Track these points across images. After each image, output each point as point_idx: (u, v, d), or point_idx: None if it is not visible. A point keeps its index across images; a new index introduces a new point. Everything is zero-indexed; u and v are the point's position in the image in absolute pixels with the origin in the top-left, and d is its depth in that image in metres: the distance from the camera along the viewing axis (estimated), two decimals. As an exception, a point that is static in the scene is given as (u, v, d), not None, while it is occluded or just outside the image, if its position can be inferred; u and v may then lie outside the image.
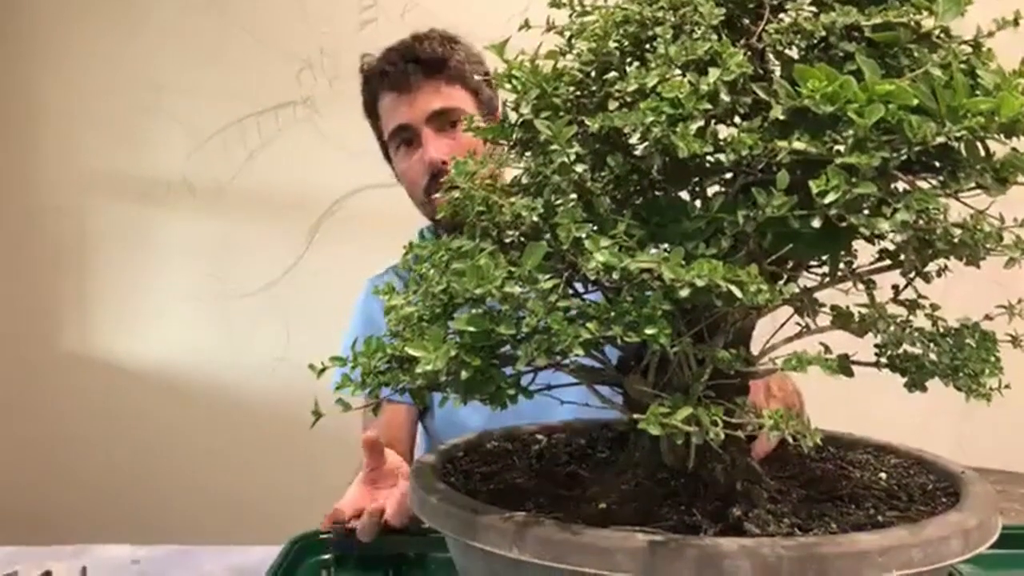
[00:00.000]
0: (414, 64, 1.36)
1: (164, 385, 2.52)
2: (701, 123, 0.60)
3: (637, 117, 0.60)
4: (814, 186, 0.56)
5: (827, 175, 0.56)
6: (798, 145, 0.58)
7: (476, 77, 1.38)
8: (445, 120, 1.36)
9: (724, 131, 0.62)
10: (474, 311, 0.63)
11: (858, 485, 0.77)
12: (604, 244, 0.59)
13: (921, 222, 0.58)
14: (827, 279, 0.68)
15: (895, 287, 0.71)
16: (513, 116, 0.70)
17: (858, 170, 0.56)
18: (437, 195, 0.97)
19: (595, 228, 0.61)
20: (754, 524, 0.65)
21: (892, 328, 0.67)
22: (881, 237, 0.61)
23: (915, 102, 0.58)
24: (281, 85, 2.47)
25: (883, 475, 0.80)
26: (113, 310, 2.55)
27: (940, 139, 0.57)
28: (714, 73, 0.60)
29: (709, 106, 0.60)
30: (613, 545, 0.59)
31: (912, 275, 0.68)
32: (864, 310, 0.67)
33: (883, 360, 0.69)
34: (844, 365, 0.66)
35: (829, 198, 0.56)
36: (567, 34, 0.70)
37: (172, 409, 2.51)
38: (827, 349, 0.66)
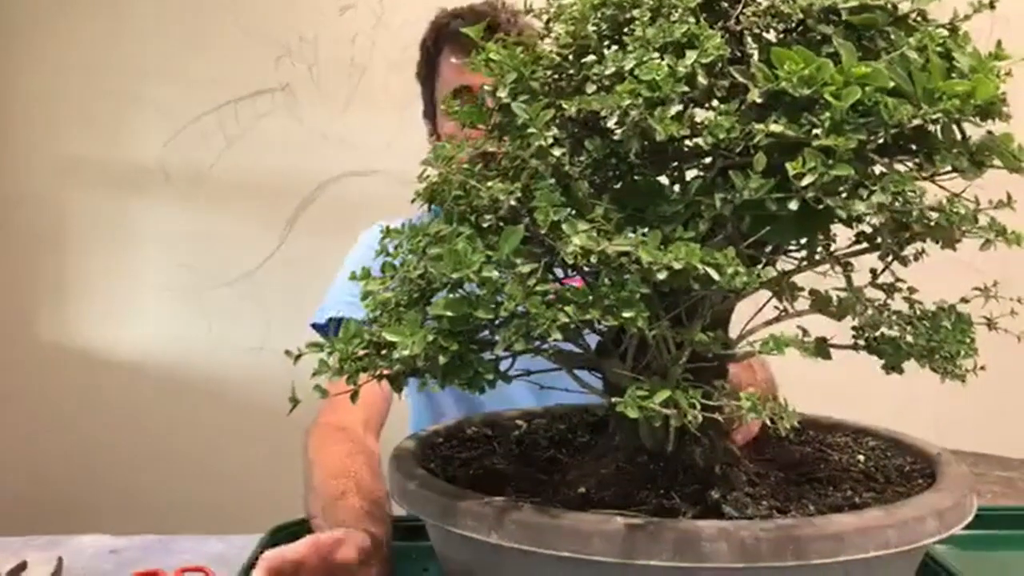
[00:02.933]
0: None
1: (142, 374, 2.50)
2: (679, 106, 0.60)
3: (615, 100, 0.60)
4: (791, 168, 0.56)
5: (804, 157, 0.56)
6: (775, 128, 0.58)
7: None
8: None
9: (702, 114, 0.62)
10: (452, 296, 0.63)
11: (836, 467, 0.77)
12: (582, 228, 0.59)
13: (897, 204, 0.59)
14: (805, 262, 0.68)
15: (872, 271, 0.71)
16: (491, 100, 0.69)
17: (835, 152, 0.56)
18: None
19: (573, 212, 0.61)
20: (732, 507, 0.66)
21: (869, 311, 0.67)
22: (858, 220, 0.61)
23: (891, 84, 0.58)
24: (260, 72, 2.44)
25: (860, 457, 0.80)
26: (90, 299, 2.52)
27: (916, 121, 0.58)
28: (691, 56, 0.60)
29: (687, 89, 0.60)
30: (592, 529, 0.59)
31: (889, 258, 0.69)
32: (842, 293, 0.67)
33: (860, 343, 0.69)
34: (822, 348, 0.66)
35: (806, 180, 0.56)
36: (545, 17, 0.70)
37: (150, 398, 2.49)
38: (805, 332, 0.67)
